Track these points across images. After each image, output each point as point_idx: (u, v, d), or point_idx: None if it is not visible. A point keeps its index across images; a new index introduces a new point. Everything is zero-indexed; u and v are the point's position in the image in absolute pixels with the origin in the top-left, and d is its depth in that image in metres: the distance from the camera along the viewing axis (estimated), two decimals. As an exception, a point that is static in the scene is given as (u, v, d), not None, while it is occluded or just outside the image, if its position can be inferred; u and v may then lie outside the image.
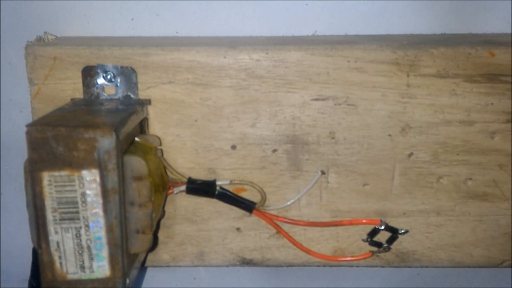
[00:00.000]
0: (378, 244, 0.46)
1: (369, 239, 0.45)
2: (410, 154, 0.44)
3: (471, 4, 0.47)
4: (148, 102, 0.42)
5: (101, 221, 0.34)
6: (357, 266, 0.47)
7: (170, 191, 0.43)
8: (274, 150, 0.44)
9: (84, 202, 0.33)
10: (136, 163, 0.36)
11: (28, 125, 0.33)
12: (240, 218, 0.45)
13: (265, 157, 0.44)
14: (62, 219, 0.33)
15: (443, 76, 0.42)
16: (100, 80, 0.42)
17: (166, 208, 0.44)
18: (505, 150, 0.44)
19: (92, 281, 0.35)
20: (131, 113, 0.38)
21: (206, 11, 0.47)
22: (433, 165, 0.44)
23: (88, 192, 0.33)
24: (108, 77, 0.42)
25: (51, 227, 0.33)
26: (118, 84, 0.42)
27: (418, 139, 0.43)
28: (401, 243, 0.46)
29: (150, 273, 0.51)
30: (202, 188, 0.43)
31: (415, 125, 0.43)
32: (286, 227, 0.45)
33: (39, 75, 0.42)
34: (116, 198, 0.34)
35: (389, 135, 0.43)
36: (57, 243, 0.34)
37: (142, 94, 0.42)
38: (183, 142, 0.43)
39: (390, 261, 0.46)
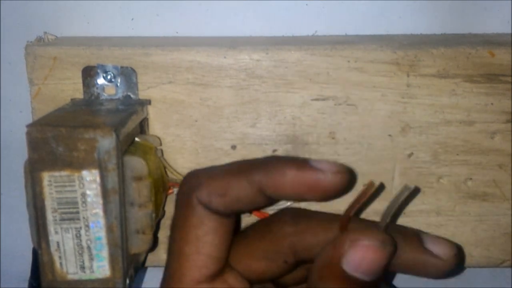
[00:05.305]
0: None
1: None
2: (410, 154, 0.44)
3: (471, 4, 0.47)
4: (148, 102, 0.42)
5: (101, 221, 0.34)
6: (357, 266, 0.47)
7: (170, 191, 0.43)
8: (274, 150, 0.44)
9: (84, 202, 0.33)
10: (136, 163, 0.36)
11: (28, 125, 0.33)
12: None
13: (265, 157, 0.44)
14: (62, 219, 0.33)
15: (443, 76, 0.42)
16: (100, 80, 0.42)
17: (166, 208, 0.44)
18: (505, 150, 0.44)
19: (92, 281, 0.35)
20: (131, 113, 0.38)
21: (206, 11, 0.47)
22: (433, 165, 0.44)
23: (88, 192, 0.33)
24: (108, 77, 0.41)
25: (51, 227, 0.33)
26: (118, 84, 0.42)
27: (418, 139, 0.43)
28: (401, 243, 0.46)
29: (150, 273, 0.51)
30: (202, 188, 0.43)
31: (415, 125, 0.43)
32: (286, 227, 0.45)
33: (39, 75, 0.42)
34: (116, 198, 0.34)
35: (389, 135, 0.43)
36: (57, 243, 0.34)
37: (142, 94, 0.42)
38: (183, 142, 0.43)
39: (390, 261, 0.46)
